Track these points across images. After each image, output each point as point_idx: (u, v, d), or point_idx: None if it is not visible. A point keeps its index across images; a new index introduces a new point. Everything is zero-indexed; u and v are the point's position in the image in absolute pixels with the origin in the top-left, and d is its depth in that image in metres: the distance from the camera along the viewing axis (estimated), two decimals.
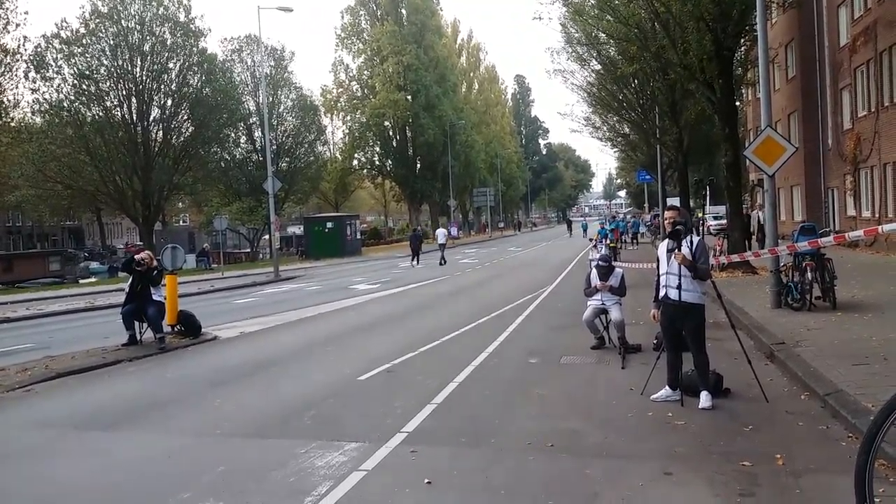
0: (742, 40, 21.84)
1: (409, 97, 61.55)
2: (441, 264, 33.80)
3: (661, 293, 7.50)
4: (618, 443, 6.28)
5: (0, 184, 43.76)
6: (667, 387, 7.48)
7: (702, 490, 5.11)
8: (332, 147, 68.37)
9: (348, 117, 63.50)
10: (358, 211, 76.20)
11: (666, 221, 7.74)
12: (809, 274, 12.24)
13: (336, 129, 68.18)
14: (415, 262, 35.00)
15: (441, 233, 38.72)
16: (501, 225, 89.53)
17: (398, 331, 13.96)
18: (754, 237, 26.78)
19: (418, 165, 66.17)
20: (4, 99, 34.21)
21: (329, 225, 49.62)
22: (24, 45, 34.63)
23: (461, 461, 6.00)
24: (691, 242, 7.29)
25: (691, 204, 37.63)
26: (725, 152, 20.98)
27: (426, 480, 5.49)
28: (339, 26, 64.09)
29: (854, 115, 26.91)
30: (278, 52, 54.37)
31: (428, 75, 62.30)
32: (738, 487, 5.11)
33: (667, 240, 7.48)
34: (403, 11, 64.58)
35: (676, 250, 7.29)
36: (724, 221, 31.50)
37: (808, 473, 5.31)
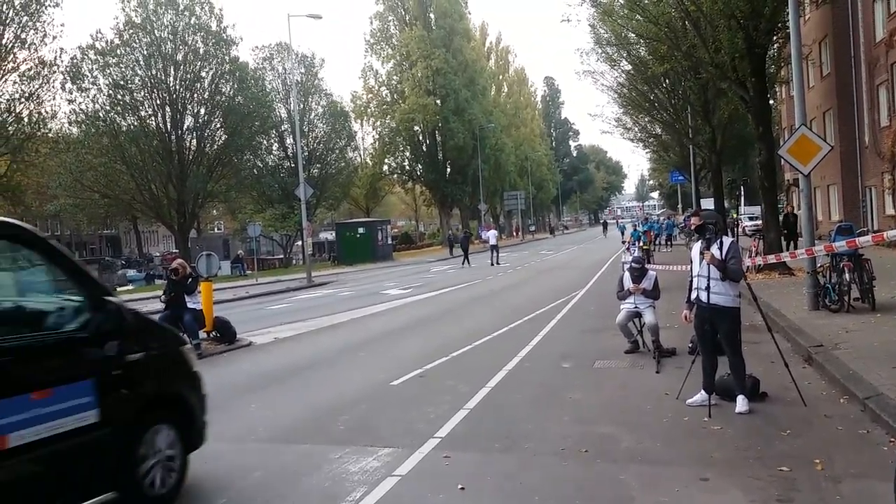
0: (774, 37, 21.52)
1: (438, 101, 61.65)
2: (492, 265, 34.78)
3: (693, 295, 7.44)
4: (653, 448, 6.22)
5: (39, 194, 44.68)
6: (702, 391, 7.39)
7: (738, 496, 5.06)
8: (362, 152, 68.78)
9: (378, 123, 63.81)
10: (389, 216, 76.58)
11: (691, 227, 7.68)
12: (847, 275, 12.02)
13: (366, 135, 68.60)
14: (466, 264, 36.29)
15: (492, 234, 39.14)
16: (532, 228, 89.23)
17: (430, 335, 13.99)
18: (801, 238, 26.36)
19: (448, 169, 66.24)
20: (42, 110, 34.94)
21: (360, 230, 49.90)
22: (60, 57, 35.33)
23: (494, 466, 5.99)
24: (721, 243, 7.21)
25: (725, 204, 37.14)
26: (759, 152, 20.70)
27: (459, 486, 5.50)
28: (368, 32, 64.48)
29: (891, 111, 26.39)
30: (309, 59, 54.93)
31: (457, 79, 62.36)
32: (775, 493, 5.04)
33: (700, 241, 7.42)
34: (432, 16, 64.74)
35: (705, 250, 7.23)
36: (759, 222, 31.08)
37: (847, 478, 5.22)
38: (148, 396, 5.42)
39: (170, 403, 5.71)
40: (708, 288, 7.16)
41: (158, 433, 5.41)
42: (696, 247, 7.47)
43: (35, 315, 5.12)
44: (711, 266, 7.14)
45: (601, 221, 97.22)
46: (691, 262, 7.64)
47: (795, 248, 21.93)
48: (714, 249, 7.17)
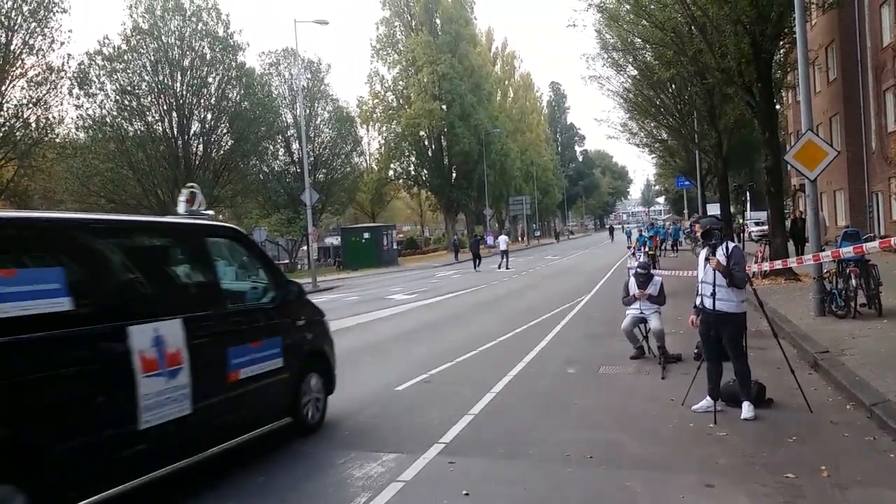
0: (781, 43, 21.48)
1: (444, 107, 61.72)
2: (500, 269, 35.61)
3: (698, 301, 7.43)
4: (658, 454, 6.20)
5: (46, 198, 44.77)
6: (708, 397, 7.37)
7: (744, 503, 5.03)
8: (368, 157, 68.82)
9: (384, 128, 63.90)
10: (394, 221, 76.50)
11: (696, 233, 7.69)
12: (854, 280, 11.98)
13: (372, 140, 68.64)
14: (477, 267, 37.58)
15: (503, 240, 39.54)
16: (538, 234, 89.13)
17: (435, 340, 13.98)
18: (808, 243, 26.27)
19: (454, 174, 66.25)
20: (50, 116, 35.01)
21: (366, 235, 49.93)
22: (67, 63, 35.35)
23: (499, 472, 5.98)
24: (727, 248, 7.19)
25: (731, 210, 37.03)
26: (766, 157, 20.63)
27: (464, 492, 5.49)
28: (375, 38, 64.60)
29: None
30: (315, 65, 54.98)
31: (463, 84, 62.42)
32: (781, 500, 5.03)
33: (706, 247, 7.40)
34: (438, 21, 64.85)
35: (711, 256, 7.21)
36: (765, 227, 31.01)
37: (854, 486, 5.19)
38: (307, 351, 7.66)
39: (318, 358, 7.92)
40: (713, 294, 7.14)
41: (312, 379, 7.67)
42: (703, 253, 7.46)
43: (249, 292, 7.43)
44: (717, 272, 7.12)
45: (608, 227, 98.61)
46: (699, 267, 7.63)
47: (803, 253, 21.88)
48: (720, 255, 7.15)
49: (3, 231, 4.73)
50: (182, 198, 7.81)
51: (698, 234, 7.47)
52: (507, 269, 35.66)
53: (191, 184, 8.59)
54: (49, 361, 4.69)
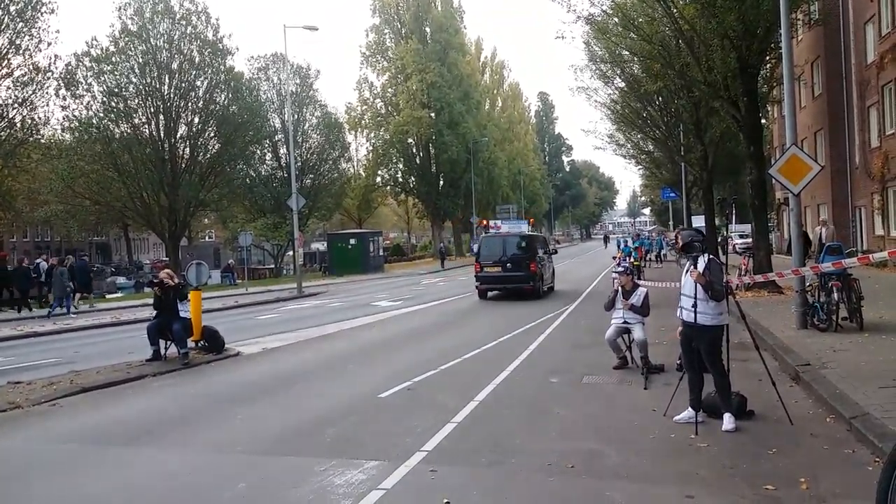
0: (767, 58, 21.72)
1: (432, 114, 61.83)
2: None
3: (677, 313, 7.47)
4: (639, 464, 6.22)
5: (30, 199, 44.41)
6: (689, 408, 7.40)
7: None
8: (355, 164, 68.79)
9: (372, 134, 63.91)
10: (381, 227, 76.49)
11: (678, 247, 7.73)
12: (836, 294, 12.08)
13: (360, 146, 68.62)
14: None
15: None
16: None
17: (419, 348, 13.97)
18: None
19: (441, 182, 66.33)
20: (35, 116, 34.74)
21: (352, 241, 49.84)
22: (54, 63, 35.11)
23: (481, 481, 5.98)
24: (706, 261, 7.24)
25: (716, 222, 37.28)
26: (750, 170, 20.82)
27: (445, 500, 5.46)
28: (364, 44, 64.67)
29: (882, 133, 26.63)
30: (304, 71, 54.92)
31: (451, 93, 62.56)
32: None
33: (688, 259, 7.45)
34: (428, 30, 65.02)
35: (692, 268, 7.25)
36: (749, 240, 31.21)
37: (832, 498, 5.23)
38: (550, 268, 26.12)
39: (552, 272, 26.76)
40: (694, 307, 7.18)
41: (546, 273, 25.27)
42: (687, 265, 7.50)
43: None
44: (697, 285, 7.16)
45: (602, 235, 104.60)
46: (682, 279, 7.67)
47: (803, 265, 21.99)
48: (701, 267, 7.20)
49: None
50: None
51: (679, 247, 7.51)
52: None
53: None
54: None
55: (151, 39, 40.49)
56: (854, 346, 10.55)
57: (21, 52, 33.13)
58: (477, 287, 23.87)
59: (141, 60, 40.07)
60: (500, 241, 24.39)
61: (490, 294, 23.71)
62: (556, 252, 31.08)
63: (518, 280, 22.79)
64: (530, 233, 33.48)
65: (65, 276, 24.31)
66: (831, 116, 32.33)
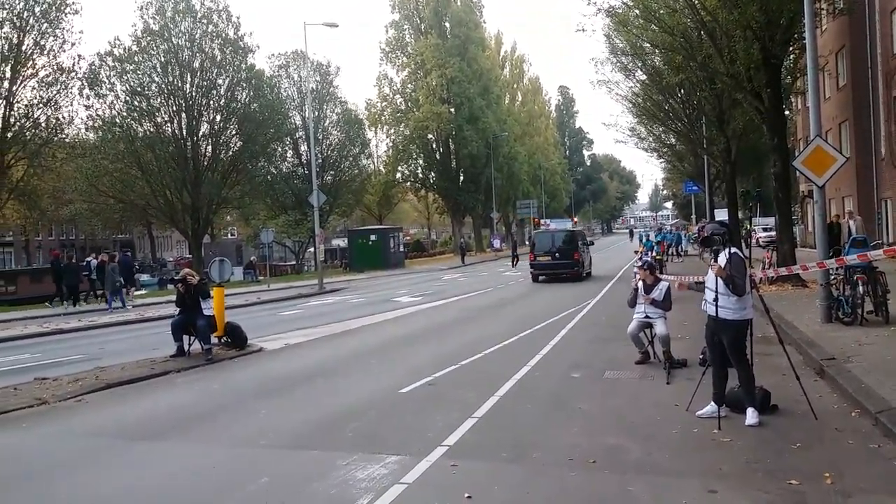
0: (791, 48, 21.43)
1: (452, 110, 61.74)
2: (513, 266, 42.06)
3: (702, 306, 7.42)
4: (661, 460, 6.19)
5: (55, 198, 44.97)
6: (712, 402, 7.35)
7: None
8: (375, 160, 68.89)
9: (392, 130, 63.91)
10: (401, 223, 76.52)
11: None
12: (861, 287, 11.93)
13: (380, 143, 68.66)
14: (515, 263, 43.16)
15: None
16: None
17: (440, 343, 13.99)
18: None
19: (461, 178, 66.25)
20: (60, 116, 35.22)
21: (373, 237, 49.97)
22: (78, 64, 35.57)
23: (502, 476, 5.98)
24: (728, 255, 7.16)
25: (740, 215, 36.86)
26: (774, 163, 20.58)
27: (466, 495, 5.48)
28: (384, 40, 64.63)
29: None
30: (324, 67, 55.06)
31: (471, 88, 62.42)
32: None
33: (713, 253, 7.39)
34: (447, 25, 64.90)
35: (713, 262, 7.19)
36: (773, 233, 30.89)
37: (857, 493, 5.17)
38: (588, 255, 32.31)
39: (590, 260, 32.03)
40: (716, 301, 7.12)
41: (586, 260, 31.03)
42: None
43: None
44: (719, 279, 7.10)
45: (628, 229, 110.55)
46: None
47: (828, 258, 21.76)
48: (722, 261, 7.13)
49: None
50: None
51: (699, 241, 7.46)
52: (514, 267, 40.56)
53: None
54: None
55: (173, 38, 40.75)
56: (880, 340, 10.42)
57: (45, 52, 33.61)
58: (531, 272, 29.21)
59: (163, 59, 40.36)
60: (549, 235, 30.49)
61: (541, 278, 28.73)
62: (592, 244, 36.44)
63: (565, 266, 28.24)
64: (573, 229, 41.22)
65: (116, 272, 25.80)
66: (856, 107, 31.87)
